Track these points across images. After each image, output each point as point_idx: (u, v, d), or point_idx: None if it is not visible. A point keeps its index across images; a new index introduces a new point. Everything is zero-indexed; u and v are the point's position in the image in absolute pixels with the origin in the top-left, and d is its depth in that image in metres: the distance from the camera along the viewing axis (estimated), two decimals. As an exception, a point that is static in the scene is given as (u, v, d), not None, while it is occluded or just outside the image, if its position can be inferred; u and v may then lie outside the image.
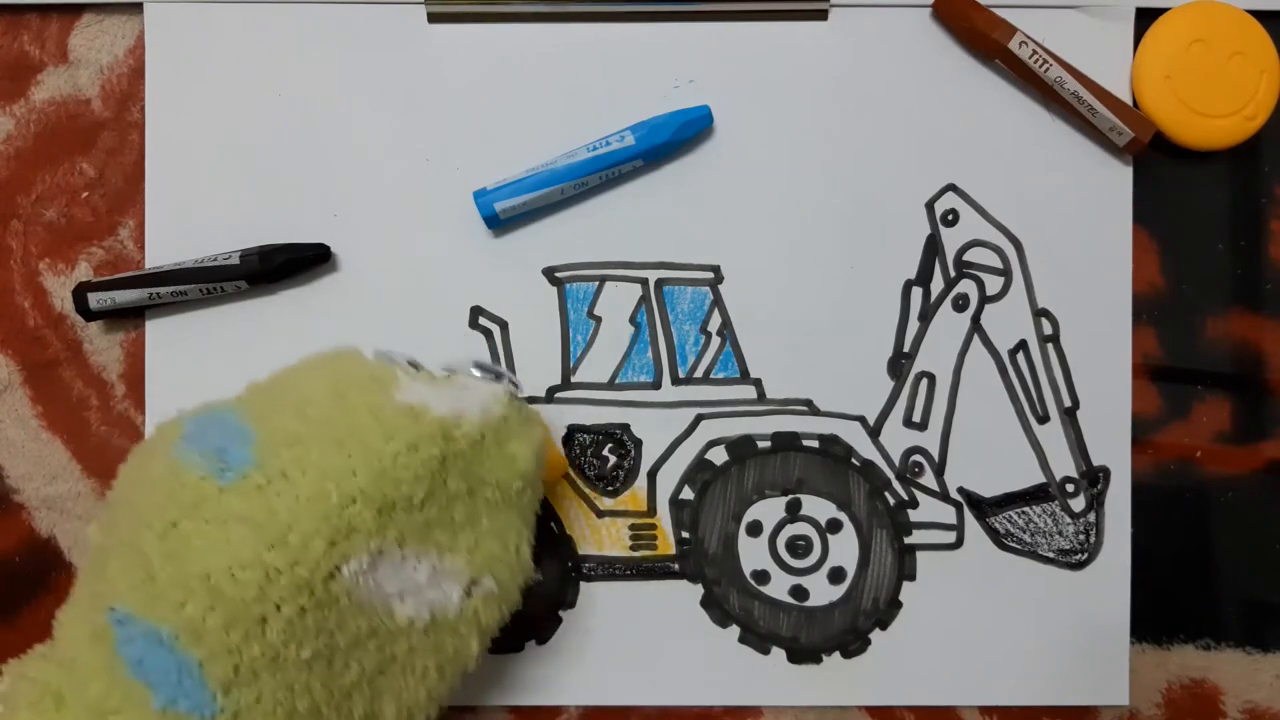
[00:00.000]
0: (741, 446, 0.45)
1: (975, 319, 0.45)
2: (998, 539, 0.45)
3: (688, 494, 0.45)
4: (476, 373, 0.39)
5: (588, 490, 0.45)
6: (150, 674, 0.32)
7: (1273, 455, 0.46)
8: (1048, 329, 0.45)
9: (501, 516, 0.37)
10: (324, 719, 0.34)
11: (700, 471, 0.45)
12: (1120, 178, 0.45)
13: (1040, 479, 0.45)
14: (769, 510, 0.45)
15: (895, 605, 0.45)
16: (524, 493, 0.38)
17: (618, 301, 0.45)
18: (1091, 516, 0.45)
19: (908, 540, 0.45)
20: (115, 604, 0.33)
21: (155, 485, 0.34)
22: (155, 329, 0.44)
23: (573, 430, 0.45)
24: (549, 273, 0.45)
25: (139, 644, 0.32)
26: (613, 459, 0.45)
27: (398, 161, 0.44)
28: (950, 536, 0.45)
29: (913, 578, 0.45)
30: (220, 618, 0.32)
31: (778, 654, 0.45)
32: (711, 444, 0.45)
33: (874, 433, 0.45)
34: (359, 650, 0.34)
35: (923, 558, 0.45)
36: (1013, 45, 0.43)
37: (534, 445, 0.38)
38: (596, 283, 0.45)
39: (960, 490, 0.45)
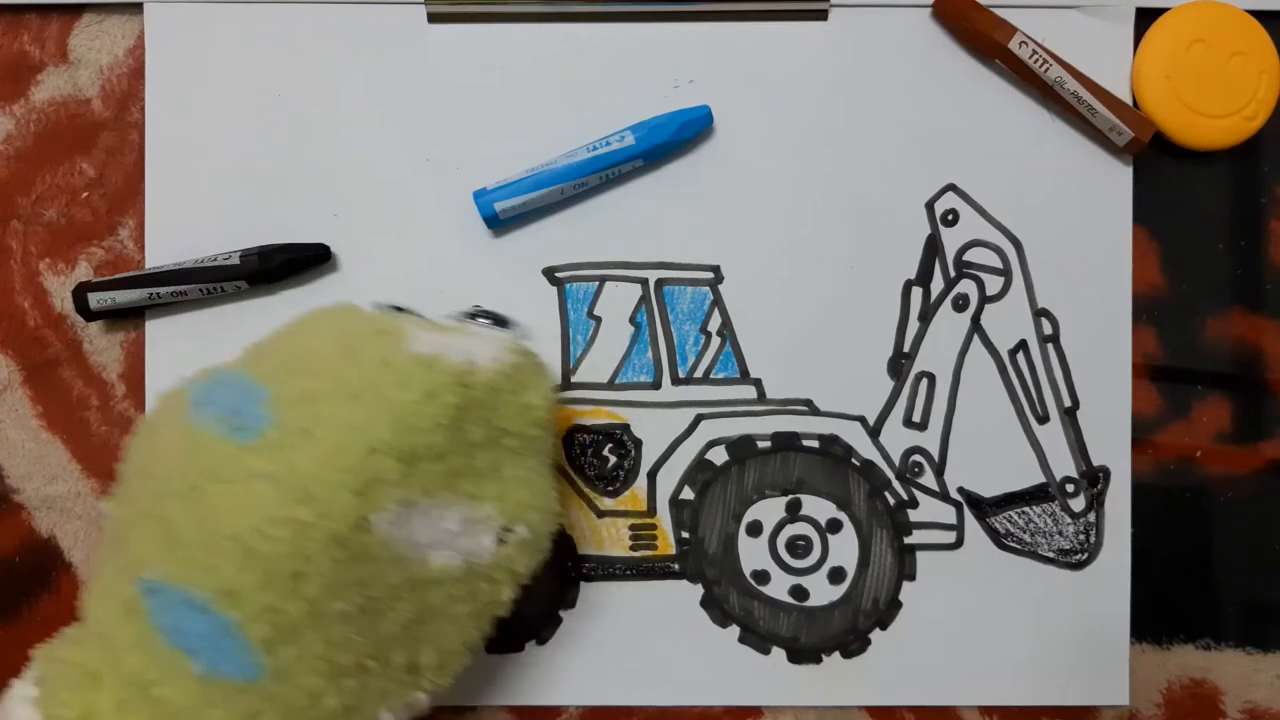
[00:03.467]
0: (741, 446, 0.45)
1: (975, 319, 0.45)
2: (998, 539, 0.45)
3: (688, 494, 0.45)
4: (484, 320, 0.39)
5: (588, 490, 0.45)
6: (189, 640, 0.32)
7: (1273, 455, 0.46)
8: (1048, 329, 0.45)
9: (525, 463, 0.37)
10: (367, 671, 0.34)
11: (700, 471, 0.45)
12: (1120, 178, 0.45)
13: (1040, 479, 0.45)
14: (769, 510, 0.45)
15: (895, 605, 0.45)
16: (543, 439, 0.38)
17: (618, 301, 0.45)
18: (1091, 516, 0.45)
19: (908, 540, 0.45)
20: (144, 574, 0.32)
21: (171, 452, 0.34)
22: (155, 329, 0.44)
23: (573, 430, 0.45)
24: (549, 273, 0.45)
25: (174, 611, 0.32)
26: (613, 459, 0.45)
27: (398, 161, 0.44)
28: (950, 536, 0.45)
29: (913, 578, 0.45)
30: (255, 577, 0.31)
31: (778, 654, 0.45)
32: (711, 444, 0.45)
33: (874, 433, 0.45)
34: (397, 601, 0.34)
35: (923, 558, 0.45)
36: (1013, 45, 0.43)
37: (546, 392, 0.38)
38: (596, 283, 0.45)
39: (960, 490, 0.45)
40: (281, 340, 0.38)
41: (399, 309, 0.39)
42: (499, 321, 0.39)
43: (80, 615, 0.35)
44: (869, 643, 0.45)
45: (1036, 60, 0.43)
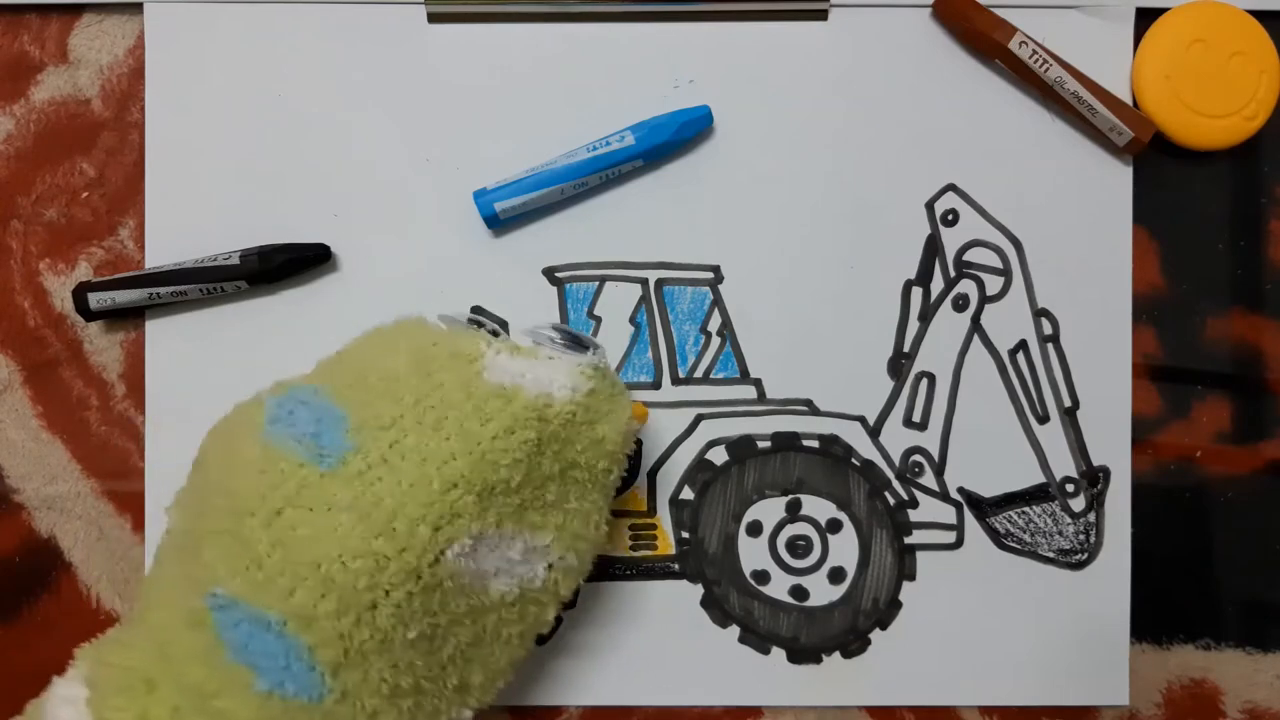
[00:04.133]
0: (741, 446, 0.45)
1: (975, 319, 0.45)
2: (998, 539, 0.45)
3: (688, 494, 0.45)
4: (559, 339, 0.38)
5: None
6: (255, 657, 0.32)
7: (1273, 455, 0.46)
8: (1048, 329, 0.45)
9: (588, 497, 0.37)
10: (423, 692, 0.34)
11: (700, 471, 0.45)
12: (1120, 178, 0.45)
13: (1040, 479, 0.45)
14: (769, 510, 0.45)
15: (895, 605, 0.45)
16: (609, 472, 0.38)
17: (618, 301, 0.45)
18: (1091, 516, 0.45)
19: (908, 540, 0.45)
20: (216, 589, 0.32)
21: (250, 470, 0.34)
22: (155, 329, 0.44)
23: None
24: (549, 273, 0.45)
25: (243, 629, 0.32)
26: (613, 459, 0.45)
27: (398, 161, 0.44)
28: (950, 536, 0.45)
29: (913, 578, 0.45)
30: (331, 604, 0.32)
31: (778, 654, 0.45)
32: (711, 444, 0.45)
33: (874, 433, 0.45)
34: (457, 626, 0.35)
35: (923, 558, 0.45)
36: (1013, 45, 0.43)
37: (621, 424, 0.37)
38: (596, 283, 0.45)
39: (960, 490, 0.45)
40: (355, 356, 0.38)
41: (472, 321, 0.38)
42: (575, 341, 0.38)
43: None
44: (869, 643, 0.45)
45: (1036, 60, 0.43)
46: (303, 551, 0.32)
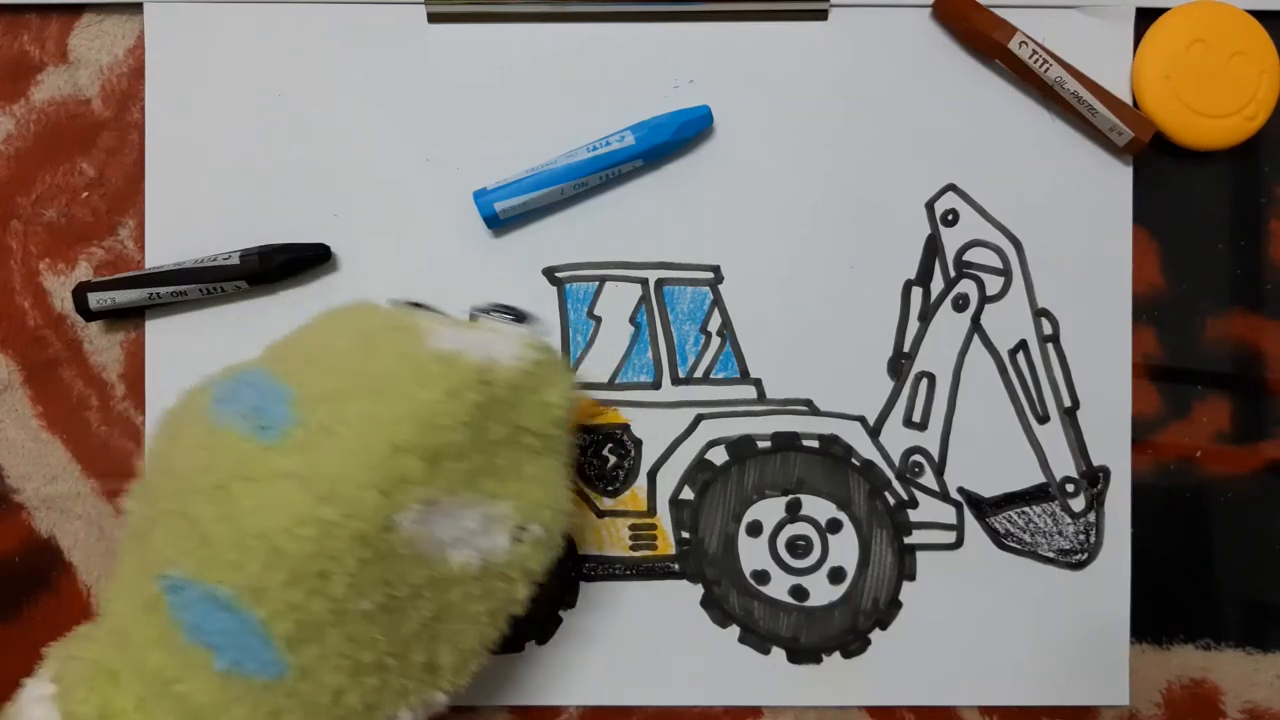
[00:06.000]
0: (741, 446, 0.45)
1: (975, 319, 0.45)
2: (998, 539, 0.45)
3: (688, 494, 0.45)
4: (500, 315, 0.38)
5: (588, 490, 0.45)
6: (210, 636, 0.32)
7: (1273, 455, 0.46)
8: (1048, 329, 0.45)
9: (542, 462, 0.37)
10: (387, 669, 0.34)
11: (700, 471, 0.45)
12: (1120, 178, 0.45)
13: (1040, 479, 0.45)
14: (769, 510, 0.45)
15: (895, 605, 0.45)
16: (561, 438, 0.38)
17: (618, 301, 0.45)
18: (1091, 516, 0.45)
19: (908, 540, 0.45)
20: (167, 571, 0.32)
21: (195, 449, 0.34)
22: (155, 329, 0.44)
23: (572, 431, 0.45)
24: (549, 273, 0.45)
25: (196, 608, 0.32)
26: (613, 459, 0.45)
27: (398, 161, 0.44)
28: (950, 536, 0.45)
29: (913, 578, 0.45)
30: (281, 575, 0.31)
31: (778, 654, 0.45)
32: (711, 444, 0.45)
33: (874, 433, 0.45)
34: (418, 600, 0.34)
35: (923, 558, 0.45)
36: (1013, 45, 0.43)
37: (565, 390, 0.38)
38: (596, 283, 0.45)
39: (960, 490, 0.45)
40: (302, 338, 0.38)
41: (416, 305, 0.38)
42: (516, 316, 0.39)
43: (93, 613, 0.35)
44: (869, 643, 0.45)
45: (1036, 60, 0.43)
46: (249, 523, 0.32)
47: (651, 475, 0.45)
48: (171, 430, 0.36)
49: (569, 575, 0.45)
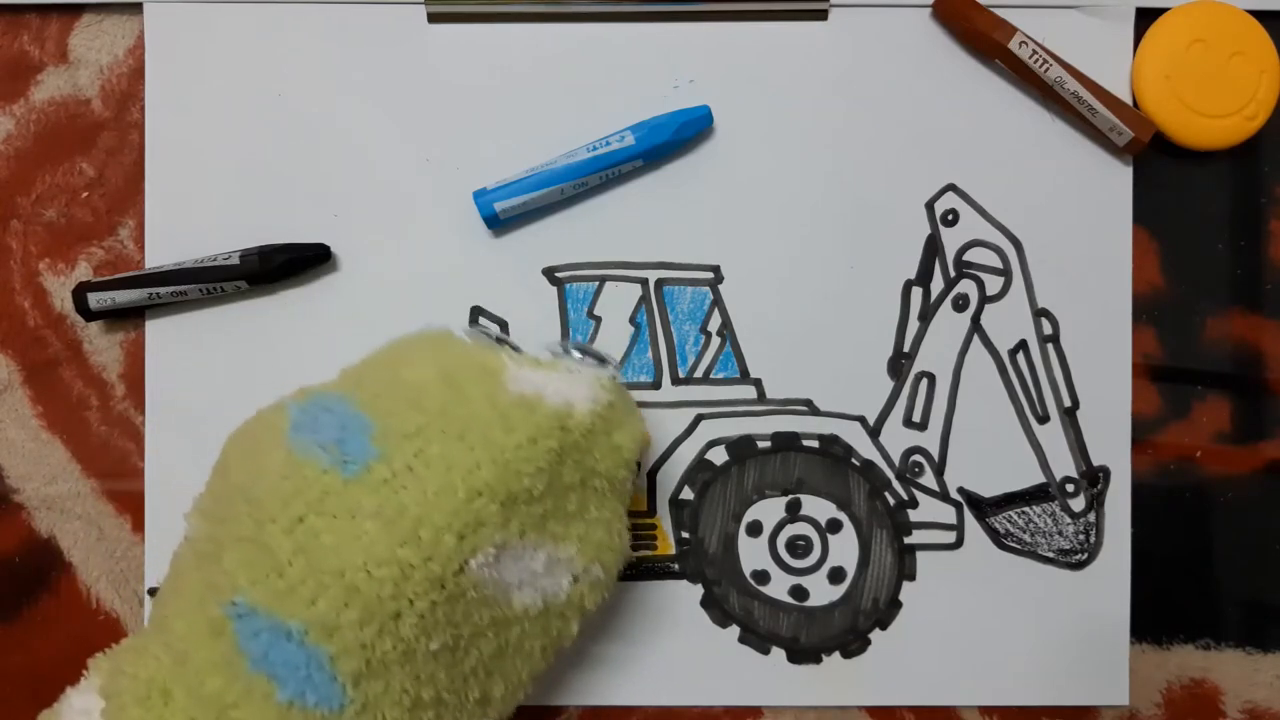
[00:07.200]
0: (741, 446, 0.45)
1: (975, 319, 0.45)
2: (998, 539, 0.45)
3: (688, 494, 0.45)
4: (578, 355, 0.38)
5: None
6: (276, 667, 0.32)
7: (1273, 455, 0.46)
8: (1048, 329, 0.45)
9: (607, 505, 0.37)
10: (444, 704, 0.34)
11: (700, 471, 0.45)
12: (1120, 178, 0.45)
13: (1040, 479, 0.45)
14: (769, 510, 0.45)
15: (895, 605, 0.45)
16: (627, 481, 0.38)
17: (618, 301, 0.45)
18: (1091, 516, 0.45)
19: (908, 540, 0.45)
20: (236, 597, 0.32)
21: (273, 477, 0.34)
22: (155, 329, 0.44)
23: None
24: (549, 273, 0.45)
25: (263, 638, 0.32)
26: (613, 459, 0.45)
27: (398, 161, 0.44)
28: (950, 536, 0.45)
29: (913, 578, 0.45)
30: (355, 613, 0.32)
31: (778, 654, 0.45)
32: (711, 444, 0.45)
33: (874, 433, 0.45)
34: (479, 638, 0.35)
35: (923, 558, 0.45)
36: (1013, 45, 0.43)
37: (637, 434, 0.38)
38: (596, 283, 0.45)
39: (960, 490, 0.45)
40: (379, 364, 0.38)
41: (496, 338, 0.38)
42: (598, 359, 0.39)
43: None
44: (869, 643, 0.45)
45: (1036, 60, 0.43)
46: (326, 559, 0.32)
47: (651, 475, 0.45)
48: (247, 452, 0.36)
49: (569, 575, 0.45)
